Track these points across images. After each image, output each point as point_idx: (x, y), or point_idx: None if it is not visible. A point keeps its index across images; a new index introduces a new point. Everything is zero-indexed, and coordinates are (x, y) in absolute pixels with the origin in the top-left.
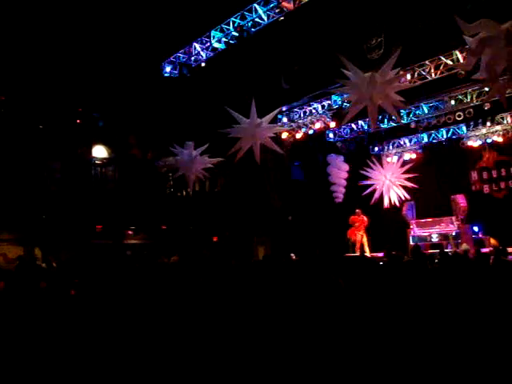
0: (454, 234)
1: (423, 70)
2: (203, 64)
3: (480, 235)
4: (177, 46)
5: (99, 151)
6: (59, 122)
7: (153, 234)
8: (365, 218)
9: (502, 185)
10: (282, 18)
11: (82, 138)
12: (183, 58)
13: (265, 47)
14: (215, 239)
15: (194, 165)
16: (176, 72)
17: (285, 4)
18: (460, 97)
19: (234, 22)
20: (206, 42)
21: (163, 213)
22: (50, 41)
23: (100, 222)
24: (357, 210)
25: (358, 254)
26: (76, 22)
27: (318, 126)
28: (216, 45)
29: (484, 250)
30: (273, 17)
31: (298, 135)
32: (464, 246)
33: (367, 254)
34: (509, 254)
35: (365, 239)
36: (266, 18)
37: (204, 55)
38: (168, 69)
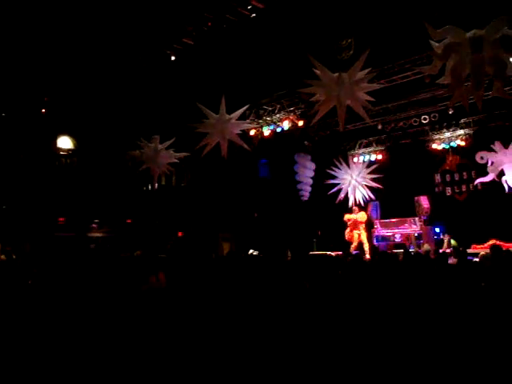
0: (416, 234)
1: (391, 73)
2: (173, 58)
3: (441, 236)
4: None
5: (64, 142)
6: (23, 111)
7: (117, 227)
8: (364, 215)
9: (463, 187)
10: (253, 15)
11: (47, 129)
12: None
13: (235, 43)
14: (180, 234)
15: (158, 159)
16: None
17: (256, 2)
18: (426, 100)
19: (205, 18)
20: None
21: (128, 206)
22: (14, 29)
23: (63, 214)
24: (354, 207)
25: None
26: (41, 9)
27: (286, 124)
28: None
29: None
30: (244, 14)
31: (266, 133)
32: (426, 247)
33: (331, 253)
34: (468, 254)
35: (364, 237)
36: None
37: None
38: None
